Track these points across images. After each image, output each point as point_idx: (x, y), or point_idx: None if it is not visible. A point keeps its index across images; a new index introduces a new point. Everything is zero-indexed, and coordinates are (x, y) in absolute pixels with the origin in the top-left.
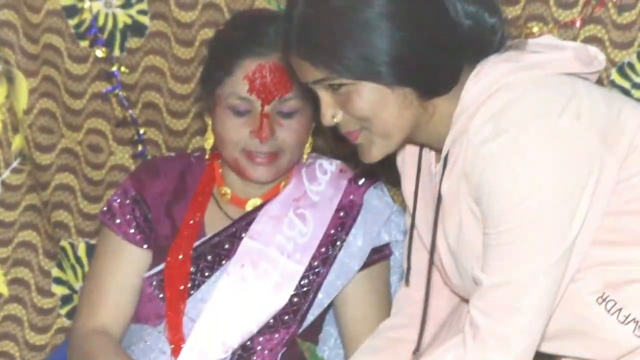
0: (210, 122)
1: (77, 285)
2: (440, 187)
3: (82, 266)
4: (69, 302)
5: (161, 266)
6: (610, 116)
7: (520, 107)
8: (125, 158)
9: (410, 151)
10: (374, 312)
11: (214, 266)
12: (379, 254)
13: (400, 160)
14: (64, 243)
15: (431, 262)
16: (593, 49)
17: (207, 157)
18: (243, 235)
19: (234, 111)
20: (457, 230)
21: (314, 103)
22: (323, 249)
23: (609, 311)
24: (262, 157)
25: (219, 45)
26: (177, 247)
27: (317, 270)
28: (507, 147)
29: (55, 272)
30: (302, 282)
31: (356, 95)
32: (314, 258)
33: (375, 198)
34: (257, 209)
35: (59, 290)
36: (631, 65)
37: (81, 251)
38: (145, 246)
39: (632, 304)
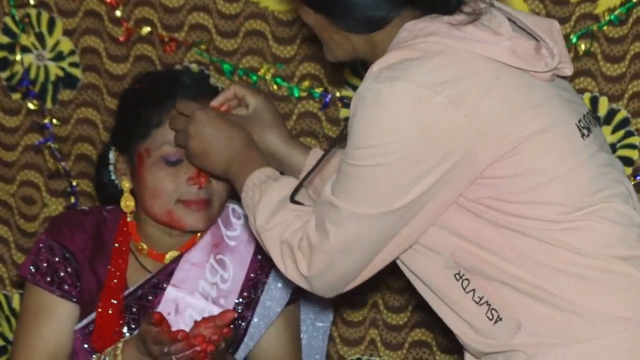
0: (127, 186)
1: (12, 337)
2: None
3: (17, 317)
4: (3, 354)
5: (88, 319)
6: (504, 111)
7: (408, 67)
8: (59, 210)
9: None
10: (286, 351)
11: (140, 318)
12: (295, 295)
13: None
14: None
15: None
16: (547, 51)
17: (128, 219)
18: (165, 285)
19: (166, 161)
20: None
21: None
22: (245, 293)
23: (464, 289)
24: (196, 204)
25: (138, 100)
26: (104, 301)
27: (242, 314)
28: (373, 94)
29: None
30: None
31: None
32: (237, 303)
33: None
34: (176, 259)
35: None
36: None
37: (15, 303)
38: (75, 300)
39: (483, 285)
